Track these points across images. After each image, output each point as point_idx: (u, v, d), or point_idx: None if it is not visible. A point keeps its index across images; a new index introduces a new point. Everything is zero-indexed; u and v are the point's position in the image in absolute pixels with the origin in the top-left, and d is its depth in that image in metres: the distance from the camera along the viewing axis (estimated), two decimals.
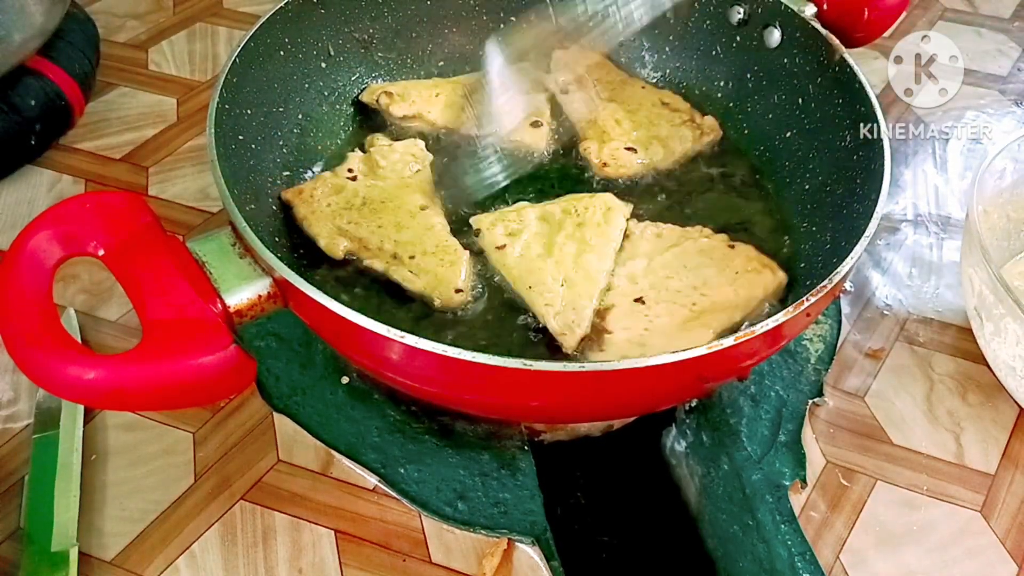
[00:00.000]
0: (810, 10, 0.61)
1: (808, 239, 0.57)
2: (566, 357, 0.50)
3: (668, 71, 0.70)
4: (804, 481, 0.54)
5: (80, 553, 0.49)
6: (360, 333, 0.41)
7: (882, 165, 0.50)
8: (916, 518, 0.53)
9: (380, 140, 0.63)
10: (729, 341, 0.40)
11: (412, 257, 0.54)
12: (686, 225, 0.58)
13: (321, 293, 0.42)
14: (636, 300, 0.52)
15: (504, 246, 0.55)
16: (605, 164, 0.62)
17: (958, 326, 0.63)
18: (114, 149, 0.76)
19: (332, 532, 0.51)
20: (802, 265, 0.56)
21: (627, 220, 0.57)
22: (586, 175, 0.63)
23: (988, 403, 0.58)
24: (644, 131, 0.64)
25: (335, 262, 0.55)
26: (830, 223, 0.55)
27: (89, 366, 0.40)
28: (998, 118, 0.81)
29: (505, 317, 0.53)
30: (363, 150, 0.62)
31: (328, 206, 0.57)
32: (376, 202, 0.57)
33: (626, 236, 0.57)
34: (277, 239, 0.56)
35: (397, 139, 0.64)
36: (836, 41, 0.58)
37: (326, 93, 0.65)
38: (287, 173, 0.60)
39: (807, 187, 0.60)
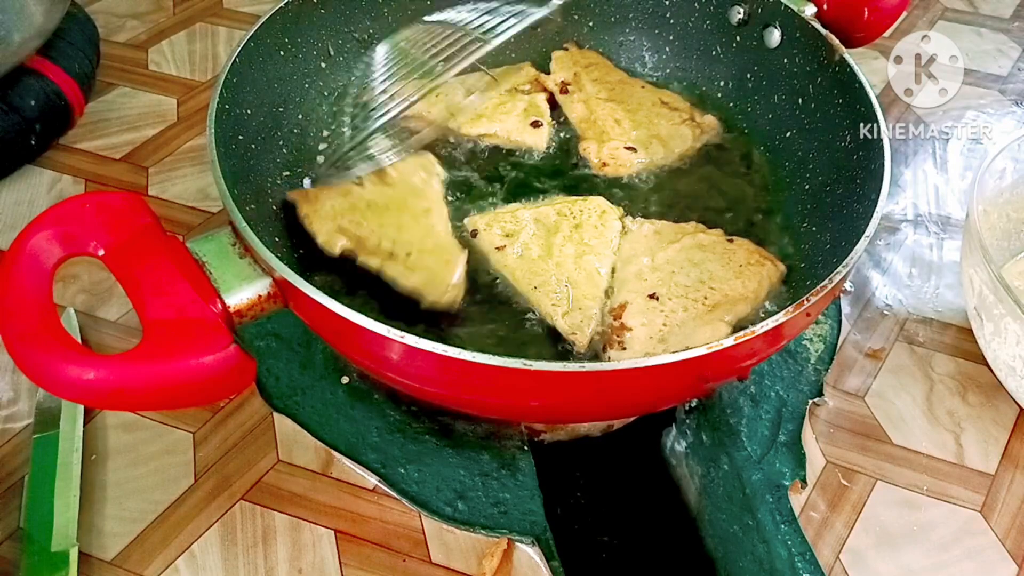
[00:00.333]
0: (810, 10, 0.61)
1: (808, 239, 0.57)
2: (578, 357, 0.50)
3: (668, 71, 0.70)
4: (804, 481, 0.54)
5: (80, 553, 0.49)
6: (360, 333, 0.41)
7: (882, 165, 0.50)
8: (916, 518, 0.53)
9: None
10: (729, 341, 0.40)
11: (409, 255, 0.53)
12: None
13: (321, 293, 0.42)
14: (650, 296, 0.52)
15: (503, 247, 0.55)
16: (605, 164, 0.62)
17: (958, 326, 0.63)
18: (114, 149, 0.76)
19: (332, 532, 0.51)
20: (802, 265, 0.56)
21: (621, 219, 0.57)
22: (586, 172, 0.63)
23: (988, 403, 0.58)
24: (644, 130, 0.64)
25: (335, 263, 0.55)
26: (830, 223, 0.55)
27: (89, 366, 0.40)
28: (998, 118, 0.81)
29: (509, 319, 0.53)
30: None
31: (331, 207, 0.56)
32: (380, 205, 0.57)
33: (623, 232, 0.57)
34: (277, 239, 0.56)
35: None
36: (836, 41, 0.58)
37: (326, 93, 0.65)
38: (287, 173, 0.60)
39: (807, 187, 0.60)
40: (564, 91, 0.68)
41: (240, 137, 0.55)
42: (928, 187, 0.74)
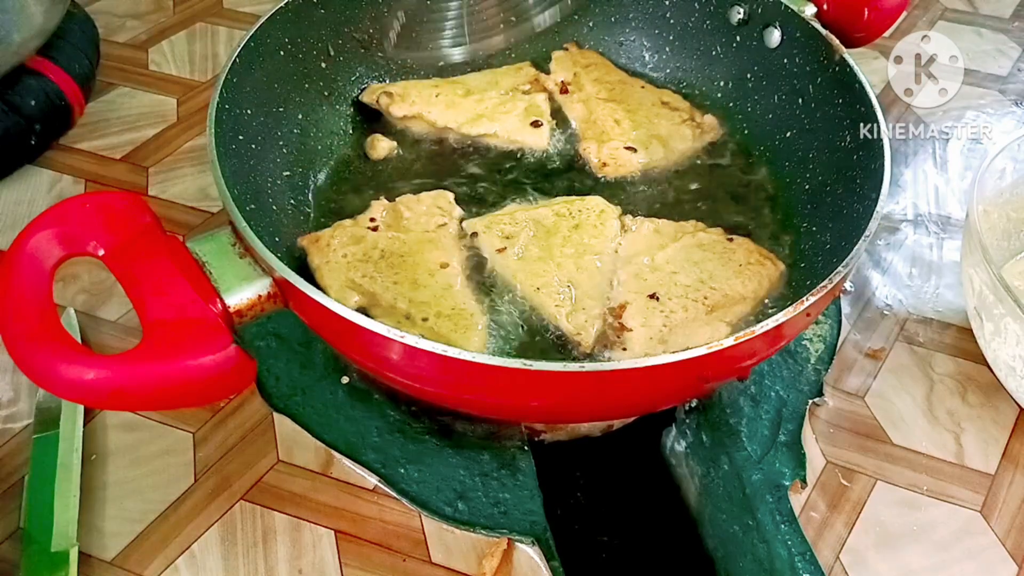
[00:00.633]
0: (810, 10, 0.61)
1: (808, 239, 0.57)
2: (580, 358, 0.50)
3: (668, 71, 0.70)
4: (804, 481, 0.54)
5: (80, 553, 0.49)
6: (360, 333, 0.41)
7: (882, 165, 0.50)
8: (916, 518, 0.53)
9: (406, 197, 0.60)
10: (729, 341, 0.40)
11: (425, 319, 0.50)
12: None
13: (321, 293, 0.42)
14: (650, 296, 0.52)
15: (504, 248, 0.55)
16: (605, 164, 0.62)
17: (958, 326, 0.63)
18: (114, 149, 0.76)
19: (332, 532, 0.51)
20: (802, 265, 0.56)
21: (620, 218, 0.57)
22: (586, 172, 0.63)
23: (988, 403, 0.58)
24: (644, 130, 0.64)
25: None
26: (830, 223, 0.55)
27: (89, 366, 0.40)
28: (998, 118, 0.81)
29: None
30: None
31: (344, 257, 0.53)
32: (395, 256, 0.54)
33: (622, 231, 0.57)
34: (277, 239, 0.55)
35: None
36: (836, 41, 0.58)
37: (326, 93, 0.65)
38: (287, 173, 0.60)
39: (807, 187, 0.60)
40: (564, 91, 0.68)
41: (240, 137, 0.55)
42: (928, 187, 0.74)
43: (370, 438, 0.55)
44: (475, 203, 0.60)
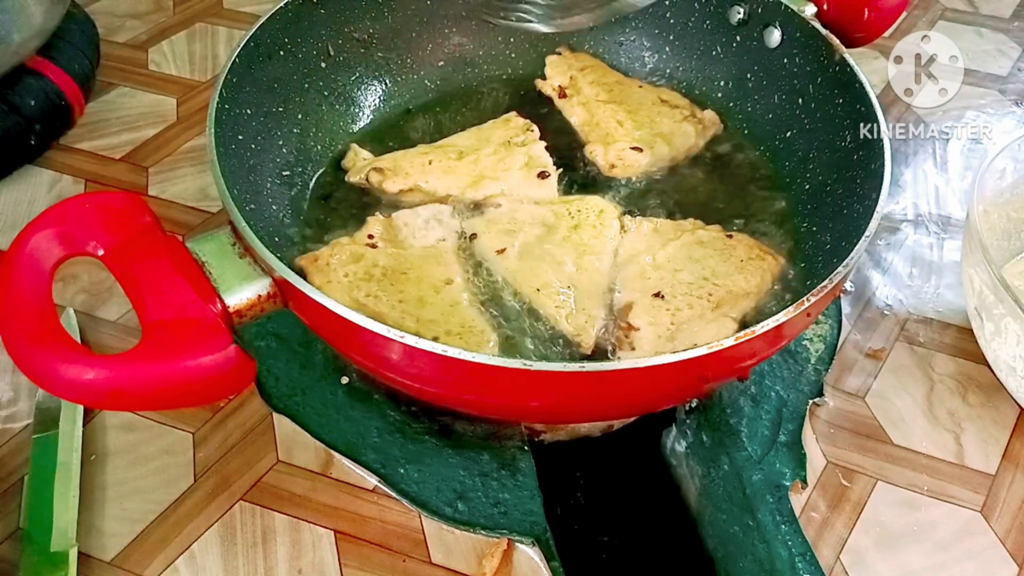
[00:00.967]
0: (810, 10, 0.61)
1: (808, 239, 0.57)
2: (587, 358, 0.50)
3: (668, 71, 0.70)
4: (804, 481, 0.54)
5: (80, 553, 0.49)
6: (360, 333, 0.41)
7: (882, 165, 0.50)
8: (916, 518, 0.53)
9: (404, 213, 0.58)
10: (729, 341, 0.40)
11: (436, 338, 0.48)
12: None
13: (321, 293, 0.42)
14: (655, 295, 0.52)
15: (504, 249, 0.55)
16: (613, 166, 0.62)
17: (958, 326, 0.63)
18: (114, 149, 0.76)
19: (332, 532, 0.51)
20: (802, 265, 0.56)
21: (619, 218, 0.57)
22: (583, 172, 0.62)
23: (988, 403, 0.58)
24: (647, 130, 0.64)
25: None
26: (830, 223, 0.55)
27: (89, 366, 0.40)
28: (998, 118, 0.81)
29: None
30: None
31: (345, 276, 0.52)
32: (397, 273, 0.52)
33: (622, 230, 0.57)
34: (277, 239, 0.56)
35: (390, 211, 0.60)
36: (836, 41, 0.58)
37: (326, 93, 0.65)
38: (287, 173, 0.60)
39: (807, 187, 0.60)
40: (562, 95, 0.67)
41: (240, 137, 0.55)
42: (928, 187, 0.74)
43: (370, 438, 0.55)
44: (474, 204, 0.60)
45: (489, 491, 0.52)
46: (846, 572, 0.50)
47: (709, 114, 0.65)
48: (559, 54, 0.71)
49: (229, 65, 0.54)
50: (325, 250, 0.54)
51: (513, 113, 0.65)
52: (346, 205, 0.60)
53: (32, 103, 0.71)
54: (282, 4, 0.59)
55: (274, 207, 0.58)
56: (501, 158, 0.61)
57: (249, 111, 0.56)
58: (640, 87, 0.68)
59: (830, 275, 0.44)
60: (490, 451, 0.54)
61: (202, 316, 0.42)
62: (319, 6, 0.62)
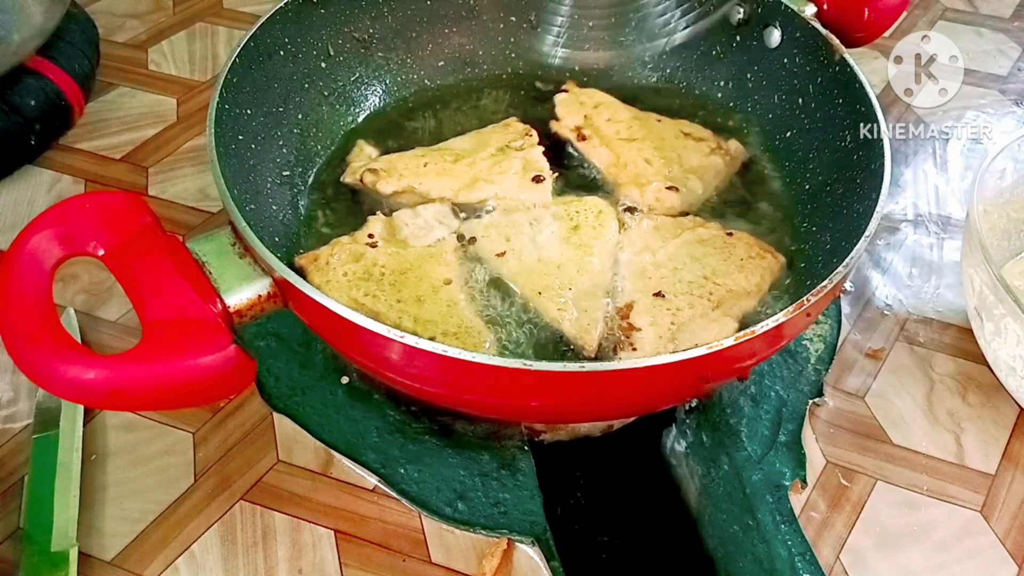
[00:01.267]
0: (810, 10, 0.61)
1: (808, 239, 0.57)
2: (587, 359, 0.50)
3: (668, 71, 0.70)
4: (804, 481, 0.54)
5: (80, 553, 0.49)
6: (360, 333, 0.41)
7: (882, 165, 0.50)
8: (916, 518, 0.53)
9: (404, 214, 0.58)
10: (729, 341, 0.40)
11: (432, 338, 0.48)
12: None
13: (321, 293, 0.42)
14: (656, 294, 0.52)
15: (503, 252, 0.55)
16: (651, 208, 0.59)
17: (958, 326, 0.63)
18: (114, 149, 0.76)
19: (332, 532, 0.51)
20: (802, 265, 0.56)
21: (618, 216, 0.57)
22: (581, 172, 0.62)
23: (988, 403, 0.58)
24: (677, 167, 0.61)
25: None
26: (830, 223, 0.55)
27: (89, 366, 0.40)
28: (998, 118, 0.81)
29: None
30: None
31: (344, 275, 0.52)
32: (396, 273, 0.53)
33: (622, 229, 0.56)
34: (277, 239, 0.56)
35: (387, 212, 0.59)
36: (836, 41, 0.58)
37: (326, 93, 0.65)
38: (287, 173, 0.60)
39: (807, 187, 0.60)
40: (581, 138, 0.64)
41: (240, 137, 0.55)
42: (928, 187, 0.74)
43: (370, 438, 0.55)
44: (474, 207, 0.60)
45: (489, 491, 0.52)
46: (846, 572, 0.50)
47: (734, 144, 0.63)
48: (566, 91, 0.67)
49: (229, 65, 0.54)
50: (325, 249, 0.54)
51: (513, 119, 0.65)
52: (346, 205, 0.60)
53: (32, 103, 0.72)
54: (282, 4, 0.60)
55: (274, 207, 0.58)
56: (497, 161, 0.60)
57: (249, 111, 0.56)
58: (658, 121, 0.65)
59: (830, 275, 0.44)
60: (490, 451, 0.54)
61: (202, 316, 0.42)
62: (319, 6, 0.62)
